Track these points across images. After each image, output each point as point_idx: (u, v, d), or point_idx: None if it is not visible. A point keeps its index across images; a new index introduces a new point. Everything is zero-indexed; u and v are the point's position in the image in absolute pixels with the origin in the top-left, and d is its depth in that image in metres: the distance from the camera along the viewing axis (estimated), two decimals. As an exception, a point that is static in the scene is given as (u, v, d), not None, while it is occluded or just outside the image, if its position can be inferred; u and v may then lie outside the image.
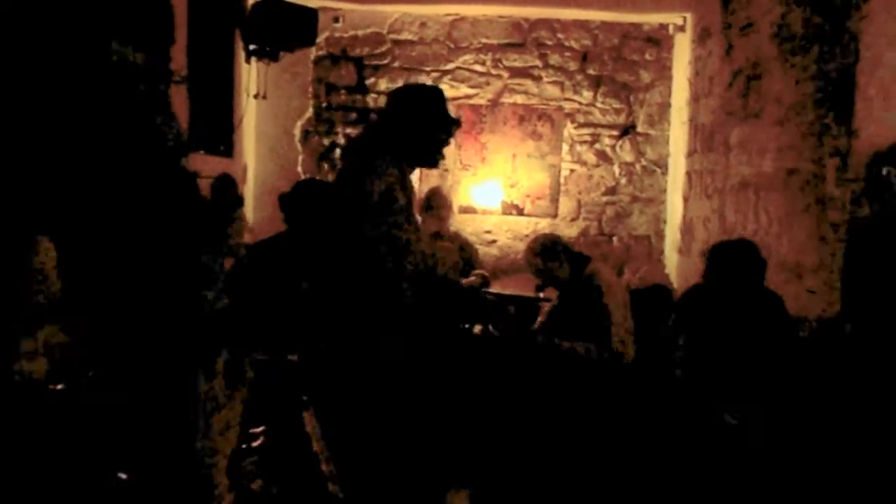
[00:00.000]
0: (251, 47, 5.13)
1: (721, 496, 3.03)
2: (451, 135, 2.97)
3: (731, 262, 3.24)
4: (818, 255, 3.43)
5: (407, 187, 2.83)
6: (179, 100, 3.48)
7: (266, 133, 5.98)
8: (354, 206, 2.62)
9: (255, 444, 1.97)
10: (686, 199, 5.51)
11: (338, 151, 6.02)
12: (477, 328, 4.22)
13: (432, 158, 2.95)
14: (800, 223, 3.62)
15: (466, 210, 6.02)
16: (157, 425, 1.82)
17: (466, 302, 4.06)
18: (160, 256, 1.95)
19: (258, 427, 2.08)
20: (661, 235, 6.07)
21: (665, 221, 6.05)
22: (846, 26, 3.35)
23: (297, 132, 6.05)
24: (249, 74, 5.40)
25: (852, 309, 3.23)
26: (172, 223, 2.01)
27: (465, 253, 5.04)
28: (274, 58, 5.19)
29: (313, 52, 5.93)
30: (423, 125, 2.83)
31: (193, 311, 2.01)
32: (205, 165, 4.26)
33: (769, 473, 3.03)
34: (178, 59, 3.39)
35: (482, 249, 5.88)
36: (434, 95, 2.94)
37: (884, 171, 3.10)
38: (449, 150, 5.85)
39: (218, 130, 5.07)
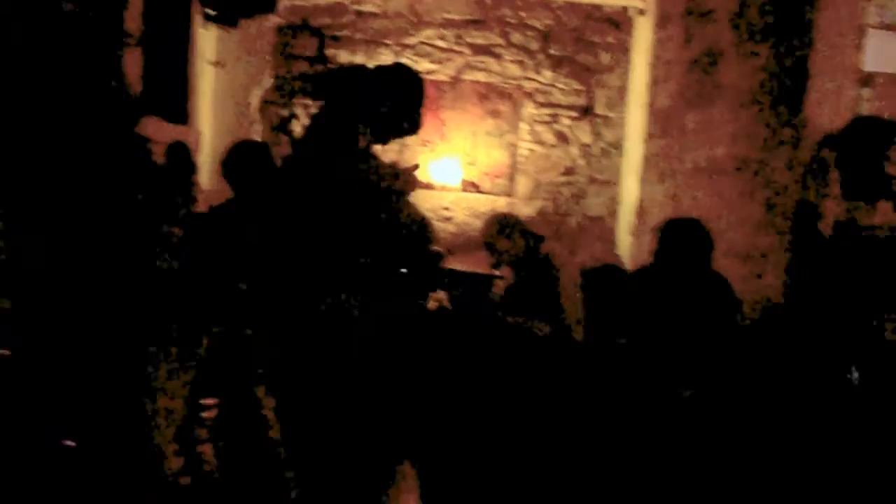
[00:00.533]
0: (209, 12, 5.00)
1: (670, 468, 3.12)
2: (415, 129, 2.98)
3: (679, 238, 3.34)
4: (766, 241, 3.53)
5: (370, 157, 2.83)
6: (133, 63, 3.38)
7: (223, 101, 5.85)
8: (325, 175, 2.60)
9: (205, 414, 1.96)
10: (641, 183, 5.58)
11: (296, 123, 5.94)
12: (432, 304, 4.24)
13: (385, 137, 2.94)
14: (750, 209, 3.72)
15: (424, 186, 6.01)
16: (104, 392, 1.80)
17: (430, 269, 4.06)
18: (111, 221, 1.91)
19: (210, 398, 2.07)
20: (615, 217, 6.14)
21: (620, 204, 6.13)
22: (802, 17, 3.42)
23: (255, 101, 5.95)
24: (207, 40, 5.27)
25: (798, 293, 3.34)
26: (124, 188, 1.97)
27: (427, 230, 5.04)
28: (232, 24, 5.07)
29: (273, 21, 5.82)
30: (394, 109, 2.82)
31: (144, 278, 1.98)
32: (158, 131, 4.16)
33: (720, 447, 3.13)
34: (133, 20, 3.30)
35: (439, 226, 5.88)
36: (415, 84, 2.94)
37: None
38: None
39: (173, 96, 4.96)
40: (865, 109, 6.32)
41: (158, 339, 1.94)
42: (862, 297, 3.15)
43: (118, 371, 1.83)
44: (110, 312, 1.87)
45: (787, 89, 3.50)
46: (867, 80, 6.31)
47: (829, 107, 3.45)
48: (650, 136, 5.44)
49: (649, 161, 5.42)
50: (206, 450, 1.77)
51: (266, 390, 1.93)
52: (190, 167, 4.60)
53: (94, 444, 1.65)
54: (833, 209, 3.25)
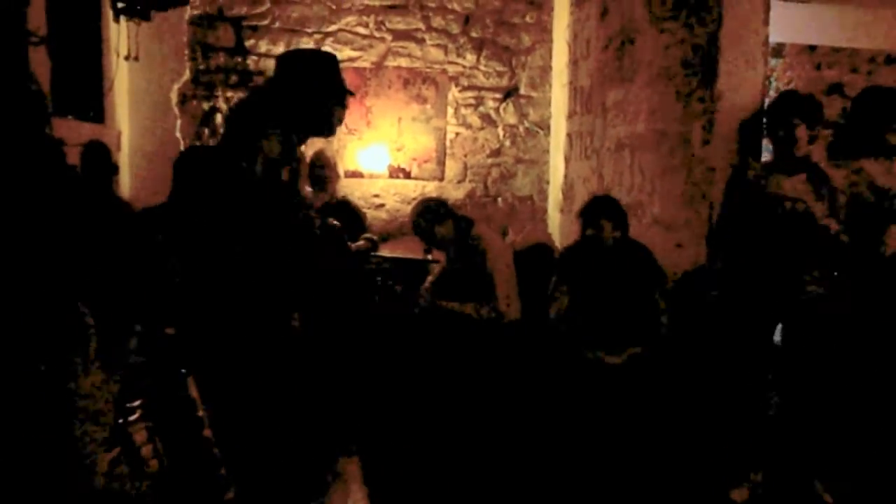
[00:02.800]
0: (119, 5, 4.84)
1: (603, 437, 3.21)
2: (343, 104, 2.85)
3: (594, 211, 3.47)
4: (686, 212, 3.64)
5: (294, 159, 2.72)
6: (40, 61, 3.26)
7: (141, 97, 5.70)
8: (241, 181, 2.51)
9: (132, 418, 1.92)
10: (567, 160, 5.68)
11: (219, 116, 5.82)
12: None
13: (326, 128, 2.81)
14: (670, 182, 3.82)
15: (353, 174, 5.98)
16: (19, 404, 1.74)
17: (356, 266, 4.06)
18: (24, 232, 1.85)
19: (135, 401, 2.02)
20: (543, 195, 6.24)
21: (548, 182, 6.23)
22: (711, -7, 3.53)
23: (175, 96, 5.80)
24: (119, 34, 5.10)
25: (719, 261, 3.46)
26: (36, 195, 1.91)
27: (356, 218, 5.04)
28: (145, 17, 4.92)
29: (188, 12, 5.67)
30: (314, 93, 2.67)
31: (63, 288, 1.92)
32: (73, 132, 4.04)
33: (650, 413, 3.24)
34: (37, 17, 3.18)
35: (370, 213, 5.87)
36: (326, 61, 2.81)
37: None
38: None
39: (87, 94, 4.80)
40: (776, 80, 6.55)
41: (79, 344, 1.88)
42: (780, 261, 3.28)
43: (36, 380, 1.78)
44: (27, 324, 1.82)
45: (699, 64, 3.60)
46: (776, 51, 6.53)
47: (739, 79, 3.55)
48: (574, 114, 5.53)
49: (574, 139, 5.51)
50: (147, 452, 1.74)
51: (197, 389, 1.91)
52: (109, 167, 4.47)
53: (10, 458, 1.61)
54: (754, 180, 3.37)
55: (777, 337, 3.41)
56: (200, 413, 1.88)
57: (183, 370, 1.89)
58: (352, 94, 2.87)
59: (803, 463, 3.03)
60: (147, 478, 1.84)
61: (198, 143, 5.67)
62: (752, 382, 3.32)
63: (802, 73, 6.58)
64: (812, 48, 6.50)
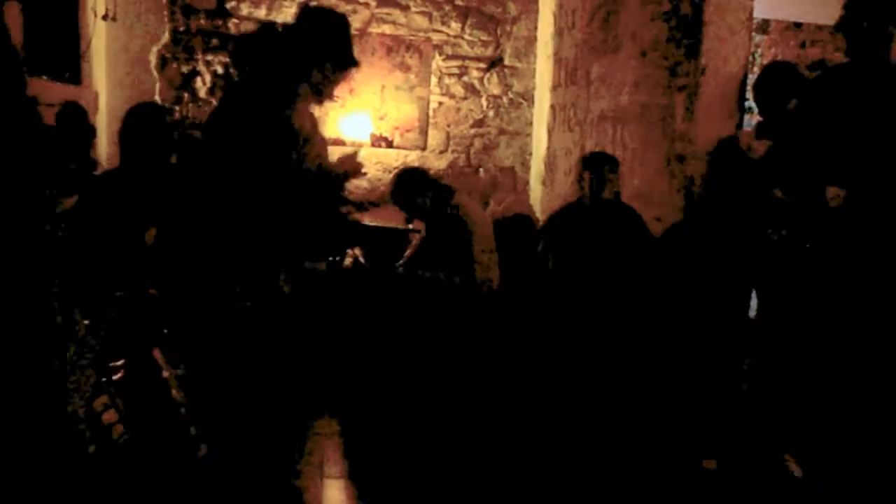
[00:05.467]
0: (96, -36, 4.75)
1: (581, 404, 3.25)
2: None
3: (597, 159, 3.50)
4: (666, 185, 3.65)
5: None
6: (12, 18, 3.18)
7: (119, 58, 5.58)
8: (269, 136, 2.48)
9: (115, 377, 1.91)
10: (550, 132, 5.66)
11: (199, 80, 5.73)
12: (348, 261, 4.24)
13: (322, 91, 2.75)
14: (651, 155, 3.83)
15: (335, 142, 5.91)
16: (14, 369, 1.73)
17: (339, 229, 4.04)
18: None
19: (118, 360, 2.02)
20: (526, 167, 6.23)
21: (530, 153, 6.21)
22: (696, -35, 3.51)
23: (154, 58, 5.69)
24: (97, -6, 5.00)
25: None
26: (8, 154, 1.87)
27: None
28: (123, -24, 4.83)
29: (167, -29, 5.56)
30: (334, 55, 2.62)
31: (35, 250, 1.89)
32: (48, 92, 3.96)
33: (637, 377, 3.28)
34: (10, -27, 3.10)
35: (352, 182, 5.83)
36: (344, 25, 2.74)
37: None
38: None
39: (62, 54, 4.70)
40: (761, 56, 6.54)
41: (62, 311, 1.87)
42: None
43: (21, 349, 1.76)
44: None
45: (684, 38, 3.59)
46: (762, 27, 6.53)
47: (724, 52, 3.55)
48: (558, 86, 5.50)
49: (558, 110, 5.48)
50: (110, 416, 1.73)
51: (165, 352, 1.90)
52: (86, 129, 4.40)
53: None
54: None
55: (752, 309, 3.45)
56: (166, 374, 1.87)
57: (164, 331, 1.89)
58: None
59: (774, 434, 3.08)
60: (111, 442, 1.84)
61: (175, 107, 5.60)
62: (726, 354, 3.37)
63: (787, 51, 6.59)
64: (797, 25, 6.50)
